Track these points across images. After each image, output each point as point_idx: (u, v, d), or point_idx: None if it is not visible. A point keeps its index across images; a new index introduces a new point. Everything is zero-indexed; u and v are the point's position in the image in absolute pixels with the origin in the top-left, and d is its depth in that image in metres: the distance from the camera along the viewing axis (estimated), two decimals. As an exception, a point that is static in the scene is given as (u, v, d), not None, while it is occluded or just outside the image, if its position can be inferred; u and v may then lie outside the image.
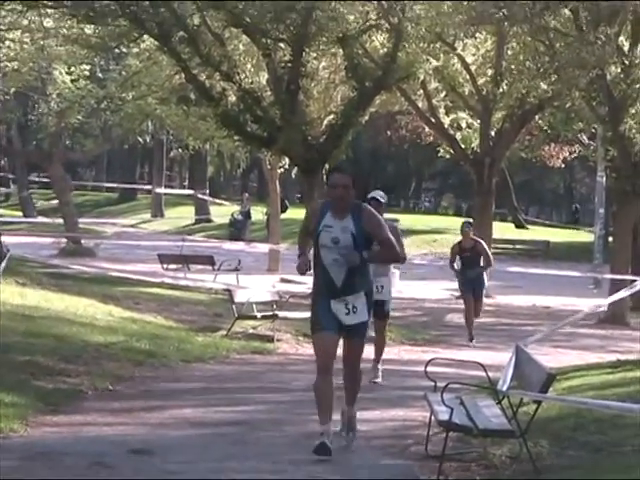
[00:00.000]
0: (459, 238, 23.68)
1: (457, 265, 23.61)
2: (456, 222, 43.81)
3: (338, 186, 9.88)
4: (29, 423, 13.62)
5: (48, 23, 37.65)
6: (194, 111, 39.26)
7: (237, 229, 56.28)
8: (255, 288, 26.41)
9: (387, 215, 13.93)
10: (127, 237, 52.52)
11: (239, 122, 34.41)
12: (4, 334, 17.47)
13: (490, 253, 24.22)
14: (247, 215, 55.57)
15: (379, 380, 16.23)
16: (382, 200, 13.14)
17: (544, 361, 13.31)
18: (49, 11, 35.40)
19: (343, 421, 10.37)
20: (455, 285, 27.92)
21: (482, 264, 23.28)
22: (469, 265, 22.95)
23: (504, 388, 12.55)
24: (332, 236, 9.72)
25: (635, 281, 21.63)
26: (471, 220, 25.83)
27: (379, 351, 16.75)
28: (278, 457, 10.74)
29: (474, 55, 40.21)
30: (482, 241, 24.14)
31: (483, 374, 12.67)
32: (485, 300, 32.23)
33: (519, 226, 65.80)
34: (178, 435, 12.28)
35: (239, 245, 48.74)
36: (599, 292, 27.25)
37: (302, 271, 10.24)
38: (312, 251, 10.16)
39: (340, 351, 10.86)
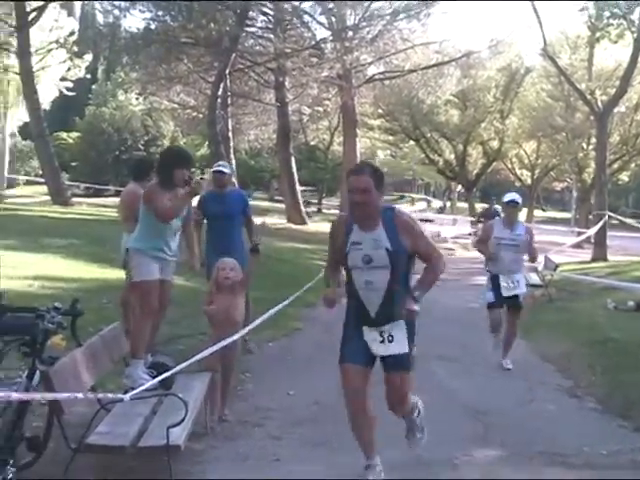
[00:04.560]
0: None
1: None
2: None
3: (355, 190, 3.02)
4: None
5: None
6: (429, 168, 38.97)
7: (440, 209, 54.82)
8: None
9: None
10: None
11: (445, 172, 33.91)
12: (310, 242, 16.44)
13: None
14: (444, 207, 53.10)
15: (509, 366, 6.01)
16: (519, 202, 5.90)
17: (555, 260, 11.90)
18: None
19: (407, 426, 3.47)
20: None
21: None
22: None
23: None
24: (362, 254, 3.05)
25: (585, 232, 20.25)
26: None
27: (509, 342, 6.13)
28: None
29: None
30: None
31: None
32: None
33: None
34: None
35: (443, 215, 45.90)
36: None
37: (329, 306, 3.17)
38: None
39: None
